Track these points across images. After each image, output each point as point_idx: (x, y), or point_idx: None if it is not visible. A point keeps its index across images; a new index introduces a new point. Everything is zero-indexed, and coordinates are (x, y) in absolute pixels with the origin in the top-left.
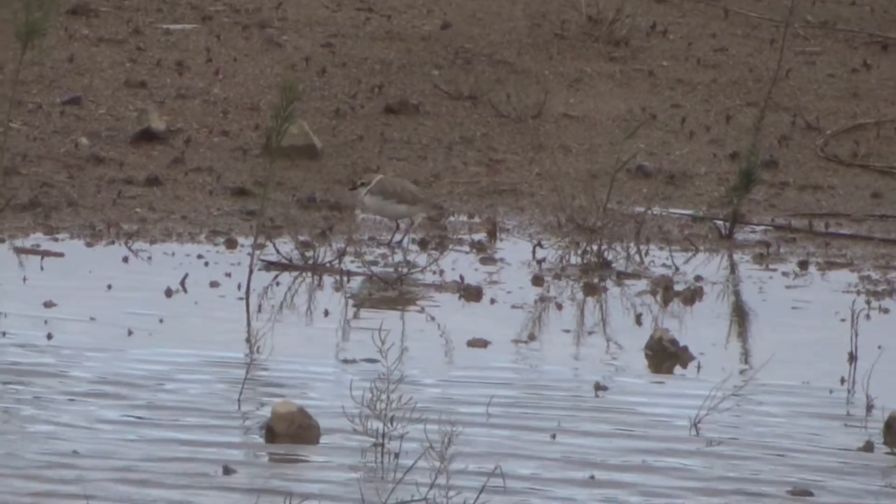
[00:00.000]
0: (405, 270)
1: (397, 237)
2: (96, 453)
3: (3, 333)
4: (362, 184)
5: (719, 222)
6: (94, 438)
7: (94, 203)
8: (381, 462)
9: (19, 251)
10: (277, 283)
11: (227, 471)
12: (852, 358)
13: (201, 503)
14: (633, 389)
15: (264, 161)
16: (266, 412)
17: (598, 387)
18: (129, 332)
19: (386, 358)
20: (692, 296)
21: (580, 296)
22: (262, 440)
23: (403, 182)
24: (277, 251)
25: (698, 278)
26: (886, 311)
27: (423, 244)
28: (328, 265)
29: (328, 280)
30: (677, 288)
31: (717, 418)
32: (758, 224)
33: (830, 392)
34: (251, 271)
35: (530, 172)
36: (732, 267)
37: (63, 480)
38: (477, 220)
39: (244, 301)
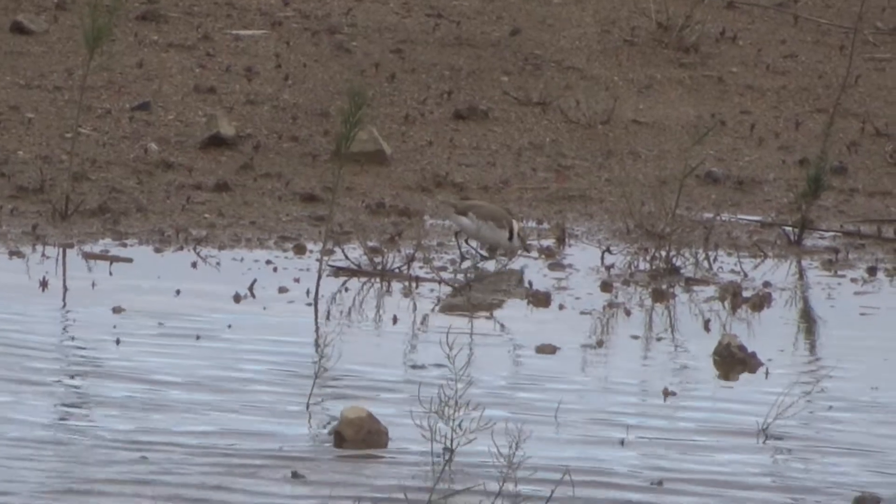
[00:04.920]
0: (474, 276)
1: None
2: (163, 470)
3: (72, 338)
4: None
5: (788, 228)
6: (163, 448)
7: (162, 208)
8: (450, 467)
9: (88, 256)
10: (346, 289)
11: (296, 475)
12: None
13: None
14: (700, 395)
15: (333, 166)
16: (335, 417)
17: (667, 392)
18: (197, 337)
19: (454, 363)
20: (760, 302)
21: (648, 302)
22: (330, 445)
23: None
24: (346, 257)
25: (766, 284)
26: None
27: (491, 250)
28: (397, 271)
29: (396, 286)
30: (745, 294)
31: (785, 423)
32: (826, 230)
33: None
34: (320, 277)
35: (599, 178)
36: (801, 273)
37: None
38: (546, 226)
39: (312, 306)
